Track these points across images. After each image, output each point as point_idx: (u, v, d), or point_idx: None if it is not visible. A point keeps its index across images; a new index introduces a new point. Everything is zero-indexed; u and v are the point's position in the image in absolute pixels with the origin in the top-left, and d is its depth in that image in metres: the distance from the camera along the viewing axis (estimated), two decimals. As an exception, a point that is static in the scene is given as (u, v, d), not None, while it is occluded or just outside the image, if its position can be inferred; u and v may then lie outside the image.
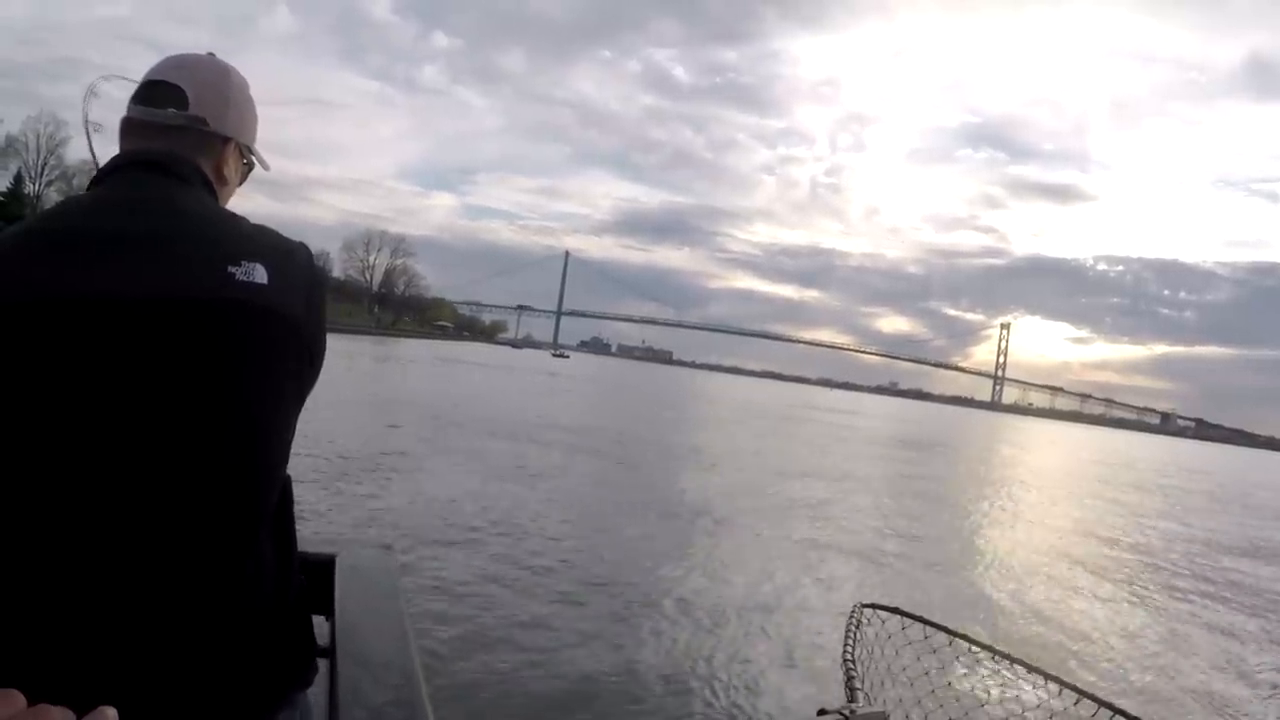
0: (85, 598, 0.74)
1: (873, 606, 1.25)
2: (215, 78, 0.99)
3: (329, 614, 1.03)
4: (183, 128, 0.94)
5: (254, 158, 1.06)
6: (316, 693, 0.93)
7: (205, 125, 0.95)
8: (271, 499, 0.88)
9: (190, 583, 0.79)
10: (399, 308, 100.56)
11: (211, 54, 1.02)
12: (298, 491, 0.96)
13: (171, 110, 0.94)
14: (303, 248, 0.93)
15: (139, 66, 1.01)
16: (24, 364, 0.74)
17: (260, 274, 0.83)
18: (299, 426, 0.91)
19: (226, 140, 0.98)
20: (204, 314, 0.80)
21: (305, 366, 0.90)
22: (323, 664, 0.96)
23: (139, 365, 0.77)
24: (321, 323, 0.93)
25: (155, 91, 0.95)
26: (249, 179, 1.08)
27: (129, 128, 0.95)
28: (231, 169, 1.01)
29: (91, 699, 0.35)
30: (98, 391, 0.76)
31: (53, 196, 41.87)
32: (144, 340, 0.78)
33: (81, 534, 0.74)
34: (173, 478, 0.78)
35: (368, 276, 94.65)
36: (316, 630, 0.98)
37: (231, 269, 0.82)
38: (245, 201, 1.06)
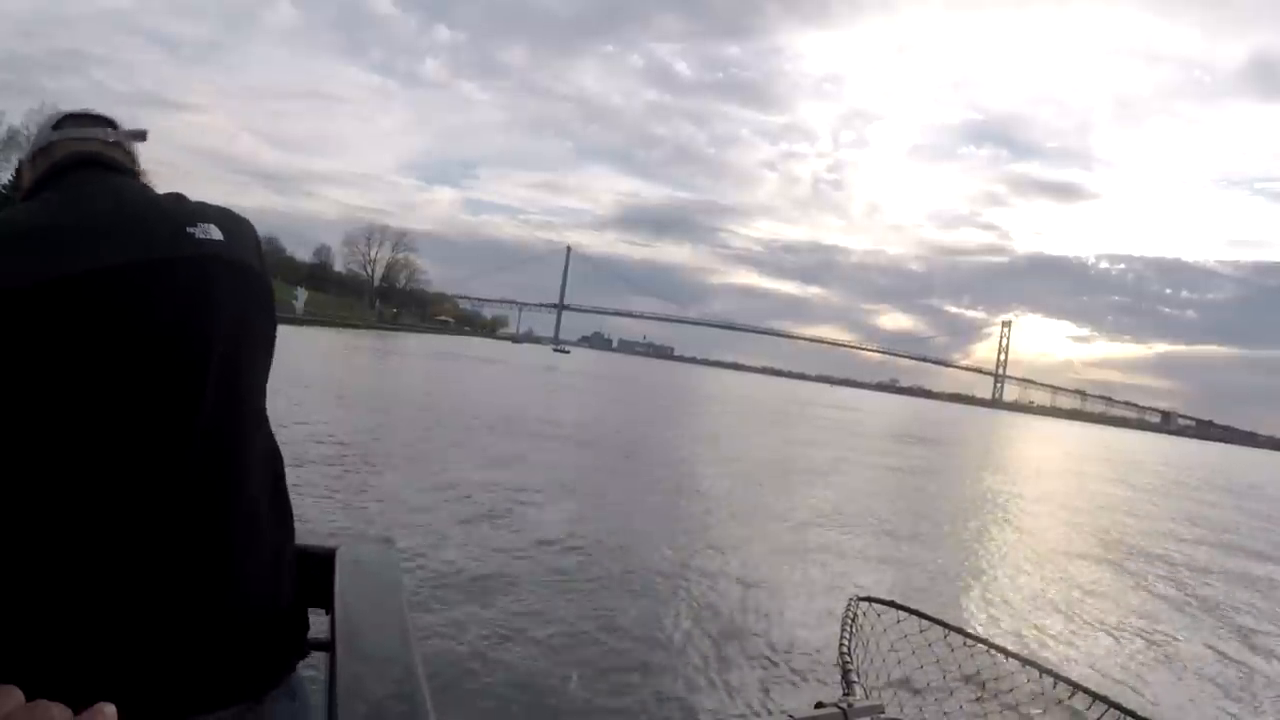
0: (87, 592, 0.74)
1: (869, 600, 1.25)
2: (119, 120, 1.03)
3: (329, 608, 1.03)
4: (117, 144, 0.97)
5: None
6: (316, 687, 0.93)
7: (143, 139, 0.99)
8: (257, 452, 0.90)
9: (193, 571, 0.79)
10: (400, 302, 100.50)
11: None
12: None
13: (109, 129, 0.97)
14: (246, 218, 0.98)
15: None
16: (18, 353, 0.73)
17: (216, 232, 0.89)
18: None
19: (137, 170, 1.01)
20: (182, 269, 0.83)
21: (272, 317, 0.95)
22: (322, 658, 0.96)
23: (128, 332, 0.77)
24: (271, 282, 0.98)
25: (84, 118, 0.98)
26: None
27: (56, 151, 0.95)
28: None
29: (89, 694, 0.35)
30: (97, 371, 0.75)
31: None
32: (133, 305, 0.78)
33: (85, 529, 0.74)
34: (176, 447, 0.79)
35: (369, 271, 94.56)
36: (316, 624, 0.99)
37: (190, 229, 0.86)
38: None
